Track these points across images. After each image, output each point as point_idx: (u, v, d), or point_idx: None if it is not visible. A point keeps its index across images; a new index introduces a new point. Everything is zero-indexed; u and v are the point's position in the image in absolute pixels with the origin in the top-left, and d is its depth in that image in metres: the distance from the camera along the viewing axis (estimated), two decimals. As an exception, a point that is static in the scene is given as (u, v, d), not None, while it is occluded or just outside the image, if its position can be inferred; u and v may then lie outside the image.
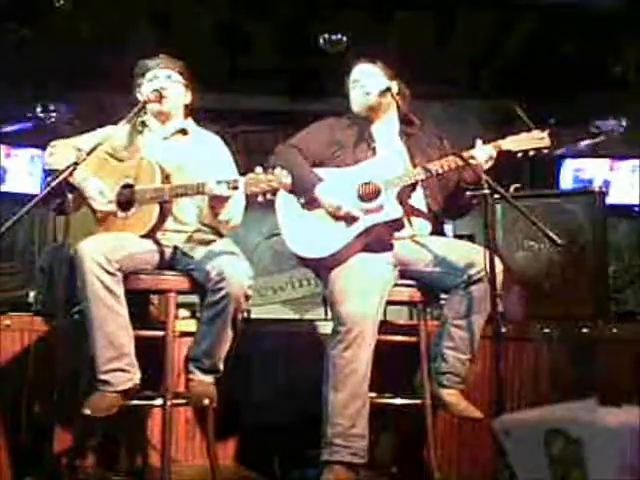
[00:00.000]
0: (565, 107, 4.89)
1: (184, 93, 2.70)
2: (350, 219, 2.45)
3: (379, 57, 2.69)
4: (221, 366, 2.40)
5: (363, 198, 2.47)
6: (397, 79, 2.68)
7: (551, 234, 2.19)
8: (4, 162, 5.06)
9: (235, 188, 2.25)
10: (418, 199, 2.56)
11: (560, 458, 1.04)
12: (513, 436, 1.12)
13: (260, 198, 2.20)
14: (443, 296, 2.55)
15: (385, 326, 2.46)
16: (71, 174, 2.21)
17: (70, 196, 2.32)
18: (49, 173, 2.60)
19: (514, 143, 2.42)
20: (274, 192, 2.20)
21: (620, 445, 0.98)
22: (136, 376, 2.32)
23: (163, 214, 2.46)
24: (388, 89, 2.57)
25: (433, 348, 2.45)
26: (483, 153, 2.39)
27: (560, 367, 2.81)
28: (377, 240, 2.46)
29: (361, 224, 2.44)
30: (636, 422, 0.99)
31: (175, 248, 2.52)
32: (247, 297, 2.33)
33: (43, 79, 4.71)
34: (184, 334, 2.56)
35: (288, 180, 2.18)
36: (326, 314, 3.61)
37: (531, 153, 2.41)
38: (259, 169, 2.19)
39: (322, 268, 2.52)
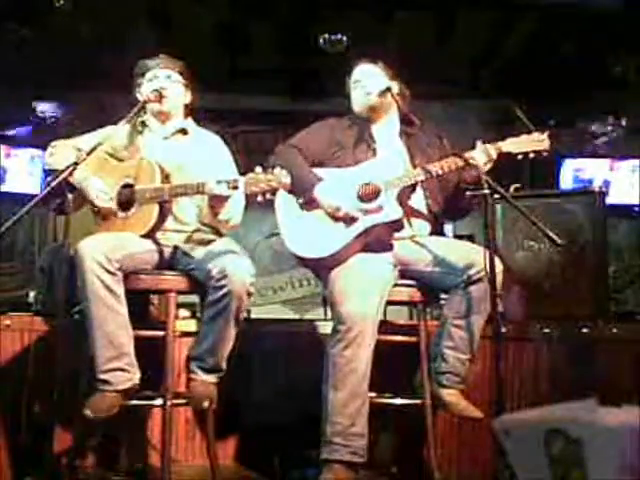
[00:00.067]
0: (565, 107, 4.89)
1: (184, 93, 2.70)
2: (349, 219, 2.45)
3: (380, 57, 2.69)
4: (224, 365, 2.39)
5: (363, 198, 2.47)
6: (398, 79, 2.69)
7: (551, 234, 2.19)
8: (4, 162, 5.07)
9: (235, 188, 2.25)
10: (418, 200, 2.56)
11: (560, 458, 1.04)
12: (513, 436, 1.12)
13: (260, 198, 2.20)
14: (443, 296, 2.55)
15: (385, 326, 2.46)
16: (71, 174, 2.22)
17: (70, 196, 2.32)
18: (49, 173, 2.60)
19: (514, 145, 2.42)
20: (273, 192, 2.20)
21: (620, 445, 0.98)
22: (136, 376, 2.31)
23: (163, 214, 2.46)
24: (388, 89, 2.57)
25: (433, 348, 2.45)
26: (483, 155, 2.38)
27: (560, 367, 2.81)
28: (377, 241, 2.46)
29: (360, 224, 2.44)
30: (636, 422, 0.99)
31: (175, 248, 2.52)
32: (249, 294, 2.32)
33: (43, 79, 4.71)
34: (184, 334, 2.56)
35: (287, 180, 2.18)
36: (325, 314, 3.61)
37: (531, 155, 2.41)
38: (259, 169, 2.20)
39: (321, 268, 2.52)
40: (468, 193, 2.47)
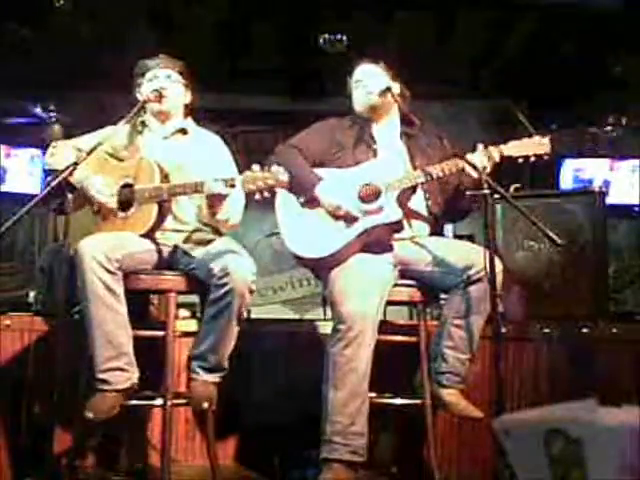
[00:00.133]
0: (565, 107, 4.89)
1: (184, 93, 2.70)
2: (350, 219, 2.45)
3: (381, 58, 2.69)
4: (226, 364, 2.39)
5: (363, 199, 2.47)
6: (399, 80, 2.69)
7: (551, 234, 2.19)
8: (4, 162, 5.07)
9: (232, 186, 2.25)
10: (418, 201, 2.56)
11: (560, 458, 1.04)
12: (513, 436, 1.12)
13: (257, 196, 2.20)
14: (443, 296, 2.55)
15: (385, 326, 2.46)
16: (71, 174, 2.22)
17: (70, 196, 2.33)
18: (49, 173, 2.60)
19: (515, 148, 2.41)
20: (271, 190, 2.20)
21: (620, 445, 0.98)
22: (134, 375, 2.31)
23: (162, 213, 2.46)
24: (388, 89, 2.57)
25: (433, 348, 2.45)
26: (484, 158, 2.37)
27: (560, 367, 2.81)
28: (376, 242, 2.46)
29: (360, 225, 2.44)
30: (636, 422, 0.99)
31: (175, 247, 2.52)
32: (251, 291, 2.32)
33: (43, 79, 4.71)
34: (184, 334, 2.56)
35: (285, 177, 2.18)
36: (325, 314, 3.61)
37: (532, 159, 2.41)
38: (256, 167, 2.20)
39: (321, 268, 2.52)
40: (468, 193, 2.47)
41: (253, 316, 4.09)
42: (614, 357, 2.84)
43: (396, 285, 2.49)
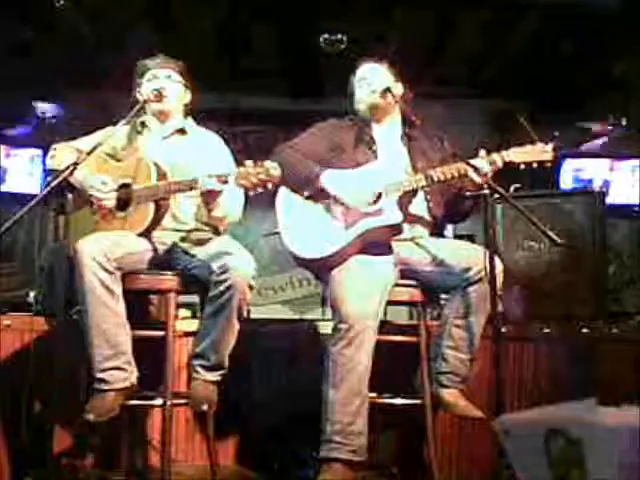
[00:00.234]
0: (565, 107, 4.88)
1: (184, 93, 2.71)
2: (350, 220, 2.45)
3: (385, 57, 2.69)
4: (226, 362, 2.38)
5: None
6: (402, 80, 2.68)
7: (551, 234, 2.19)
8: (4, 162, 5.06)
9: (225, 182, 2.25)
10: (419, 202, 2.56)
11: (560, 458, 1.04)
12: (513, 436, 1.12)
13: (251, 192, 2.20)
14: (443, 296, 2.55)
15: (385, 326, 2.46)
16: (71, 174, 2.22)
17: (70, 196, 2.33)
18: (50, 173, 2.60)
19: (517, 155, 2.39)
20: (265, 186, 2.19)
21: (620, 445, 0.98)
22: (133, 375, 2.31)
23: (159, 212, 2.46)
24: (388, 89, 2.56)
25: (433, 348, 2.45)
26: (486, 164, 2.36)
27: (560, 367, 2.81)
28: (375, 244, 2.46)
29: (360, 226, 2.44)
30: (636, 422, 0.99)
31: (174, 246, 2.52)
32: (251, 287, 2.32)
33: (44, 79, 4.70)
34: (185, 334, 2.56)
35: (277, 172, 2.18)
36: (323, 314, 3.62)
37: (534, 165, 2.40)
38: (249, 162, 2.20)
39: (320, 268, 2.52)
40: (468, 194, 2.47)
41: (253, 316, 4.09)
42: (614, 357, 2.84)
43: (396, 285, 2.49)
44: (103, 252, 2.25)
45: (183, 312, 3.34)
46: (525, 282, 3.31)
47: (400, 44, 4.47)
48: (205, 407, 2.35)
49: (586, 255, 3.33)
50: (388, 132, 2.67)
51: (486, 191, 2.19)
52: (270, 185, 2.20)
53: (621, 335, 2.97)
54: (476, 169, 2.29)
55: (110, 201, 2.49)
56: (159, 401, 2.37)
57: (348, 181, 2.47)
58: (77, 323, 2.36)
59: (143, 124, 2.68)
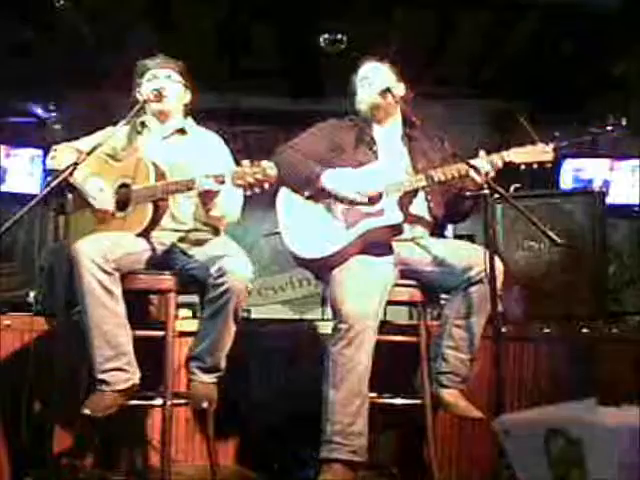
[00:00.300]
0: (564, 107, 4.88)
1: (183, 93, 2.71)
2: (351, 220, 2.45)
3: (388, 56, 2.69)
4: (223, 365, 2.39)
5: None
6: (403, 80, 2.68)
7: (551, 234, 2.19)
8: (4, 162, 5.06)
9: (222, 182, 2.25)
10: (420, 202, 2.56)
11: (560, 458, 1.04)
12: (513, 436, 1.12)
13: (248, 192, 2.20)
14: (443, 296, 2.55)
15: (385, 326, 2.46)
16: (71, 174, 2.22)
17: (70, 196, 2.33)
18: (50, 174, 2.60)
19: (518, 155, 2.39)
20: (261, 185, 2.19)
21: (620, 445, 0.98)
22: (135, 376, 2.31)
23: (158, 212, 2.46)
24: (388, 89, 2.56)
25: (433, 348, 2.45)
26: (486, 164, 2.36)
27: (560, 367, 2.81)
28: (376, 244, 2.46)
29: (361, 226, 2.44)
30: (636, 422, 0.99)
31: (173, 246, 2.52)
32: (248, 291, 2.33)
33: (44, 79, 4.70)
34: (184, 334, 2.56)
35: (273, 172, 2.18)
36: (323, 314, 3.62)
37: (535, 166, 2.40)
38: (246, 162, 2.20)
39: (320, 268, 2.52)
40: (468, 194, 2.47)
41: (253, 316, 4.10)
42: (614, 357, 2.84)
43: (396, 285, 2.49)
44: (101, 253, 2.25)
45: (183, 312, 3.34)
46: (525, 282, 3.31)
47: (400, 44, 4.48)
48: (205, 404, 2.35)
49: (586, 255, 3.33)
50: (389, 132, 2.67)
51: (486, 191, 2.19)
52: (267, 185, 2.19)
53: (621, 335, 2.97)
54: (476, 169, 2.29)
55: (108, 206, 2.49)
56: (159, 401, 2.37)
57: (349, 179, 2.47)
58: (77, 323, 2.36)
59: (143, 124, 2.68)
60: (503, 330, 2.50)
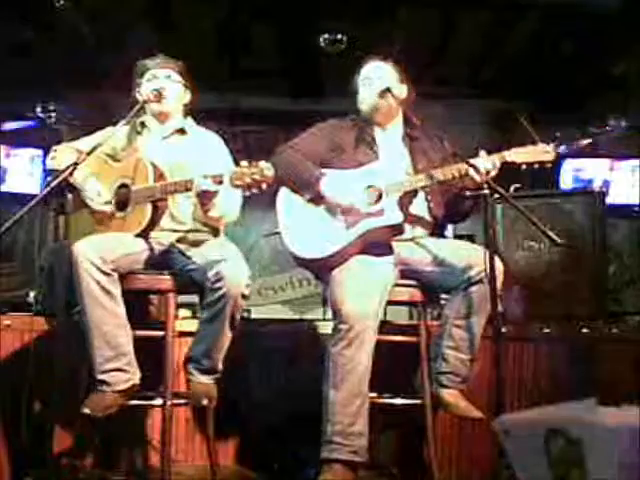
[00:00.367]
0: (564, 107, 4.88)
1: (183, 93, 2.70)
2: (351, 220, 2.45)
3: (391, 55, 2.68)
4: (220, 366, 2.40)
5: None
6: (407, 80, 2.67)
7: (551, 234, 2.19)
8: (4, 162, 5.06)
9: (220, 182, 2.25)
10: (420, 202, 2.56)
11: (560, 458, 1.04)
12: (513, 436, 1.12)
13: (246, 193, 2.20)
14: (443, 296, 2.55)
15: (385, 326, 2.46)
16: (71, 174, 2.22)
17: (70, 196, 2.33)
18: (51, 174, 2.60)
19: (518, 155, 2.39)
20: (259, 186, 2.19)
21: (620, 445, 0.98)
22: (136, 376, 2.31)
23: (157, 213, 2.46)
24: (388, 89, 2.56)
25: (434, 348, 2.45)
26: (487, 164, 2.36)
27: (560, 367, 2.81)
28: (376, 244, 2.46)
29: (361, 226, 2.44)
30: (636, 422, 0.99)
31: (172, 247, 2.52)
32: (244, 297, 2.33)
33: (44, 79, 4.70)
34: (184, 334, 2.56)
35: (271, 173, 2.17)
36: (323, 314, 3.61)
37: (535, 166, 2.40)
38: (244, 163, 2.19)
39: (320, 269, 2.52)
40: (468, 194, 2.47)
41: (253, 316, 4.09)
42: (614, 357, 2.84)
43: (396, 285, 2.49)
44: (99, 254, 2.25)
45: (183, 312, 3.34)
46: (525, 282, 3.31)
47: (402, 44, 4.48)
48: (205, 402, 2.36)
49: (586, 255, 3.33)
50: (389, 132, 2.67)
51: (486, 191, 2.19)
52: (265, 186, 2.19)
53: (621, 335, 2.97)
54: (476, 168, 2.29)
55: (106, 209, 2.49)
56: (159, 401, 2.37)
57: (348, 184, 2.46)
58: (77, 323, 2.36)
59: (143, 124, 2.68)
60: (503, 330, 2.50)
